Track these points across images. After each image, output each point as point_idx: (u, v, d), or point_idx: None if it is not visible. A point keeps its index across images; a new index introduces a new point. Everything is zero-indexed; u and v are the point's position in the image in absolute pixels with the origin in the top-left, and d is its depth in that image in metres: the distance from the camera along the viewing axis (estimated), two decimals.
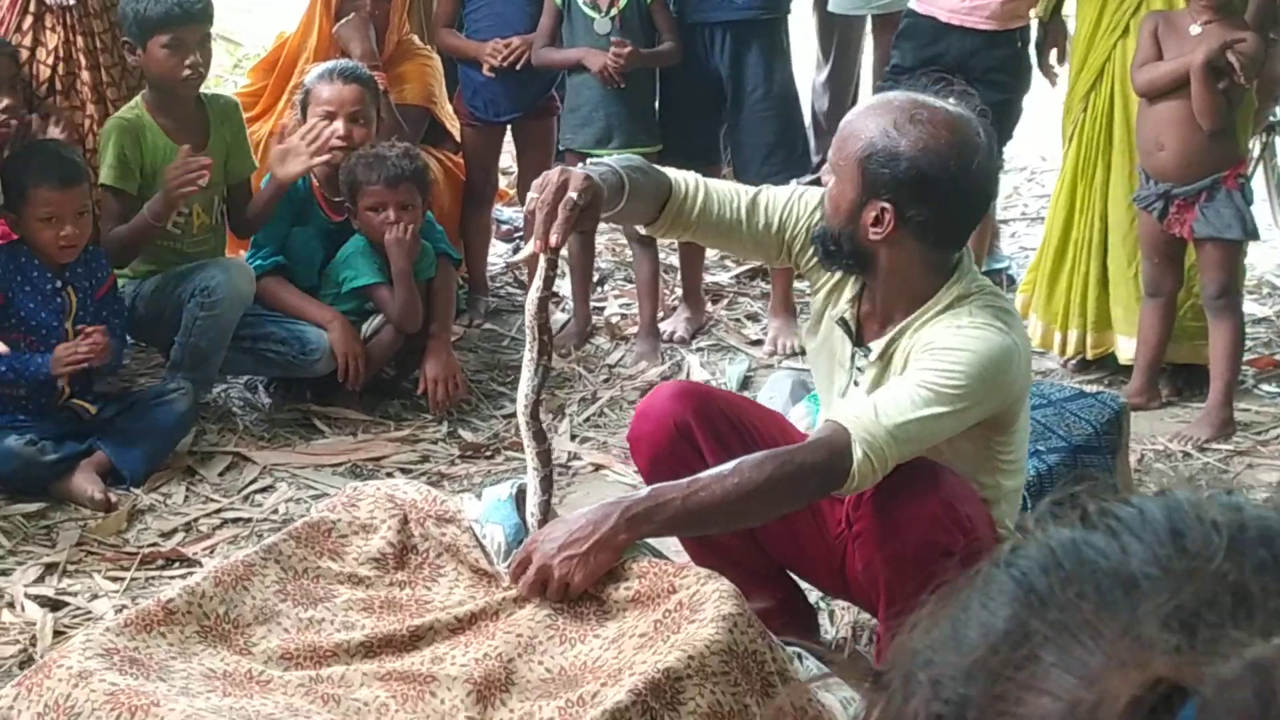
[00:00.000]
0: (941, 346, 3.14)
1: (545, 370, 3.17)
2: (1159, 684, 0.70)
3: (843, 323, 3.40)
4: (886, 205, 3.14)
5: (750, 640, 2.77)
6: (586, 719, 2.58)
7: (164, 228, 5.11)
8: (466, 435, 5.18)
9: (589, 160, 3.26)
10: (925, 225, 3.17)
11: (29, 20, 5.41)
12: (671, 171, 3.48)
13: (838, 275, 3.43)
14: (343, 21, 5.88)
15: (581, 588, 2.93)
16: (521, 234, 6.82)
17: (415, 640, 2.88)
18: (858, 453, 3.01)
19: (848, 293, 3.41)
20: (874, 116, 3.18)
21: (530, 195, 3.12)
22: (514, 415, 5.24)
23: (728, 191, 3.49)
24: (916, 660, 0.81)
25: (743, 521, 3.16)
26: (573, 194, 3.02)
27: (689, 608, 2.82)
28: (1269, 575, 0.76)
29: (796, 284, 6.23)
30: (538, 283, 3.10)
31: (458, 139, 6.26)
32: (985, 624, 0.78)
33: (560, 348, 5.77)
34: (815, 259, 3.41)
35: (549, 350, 3.19)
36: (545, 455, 3.21)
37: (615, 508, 2.99)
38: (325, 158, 5.18)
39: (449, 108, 6.25)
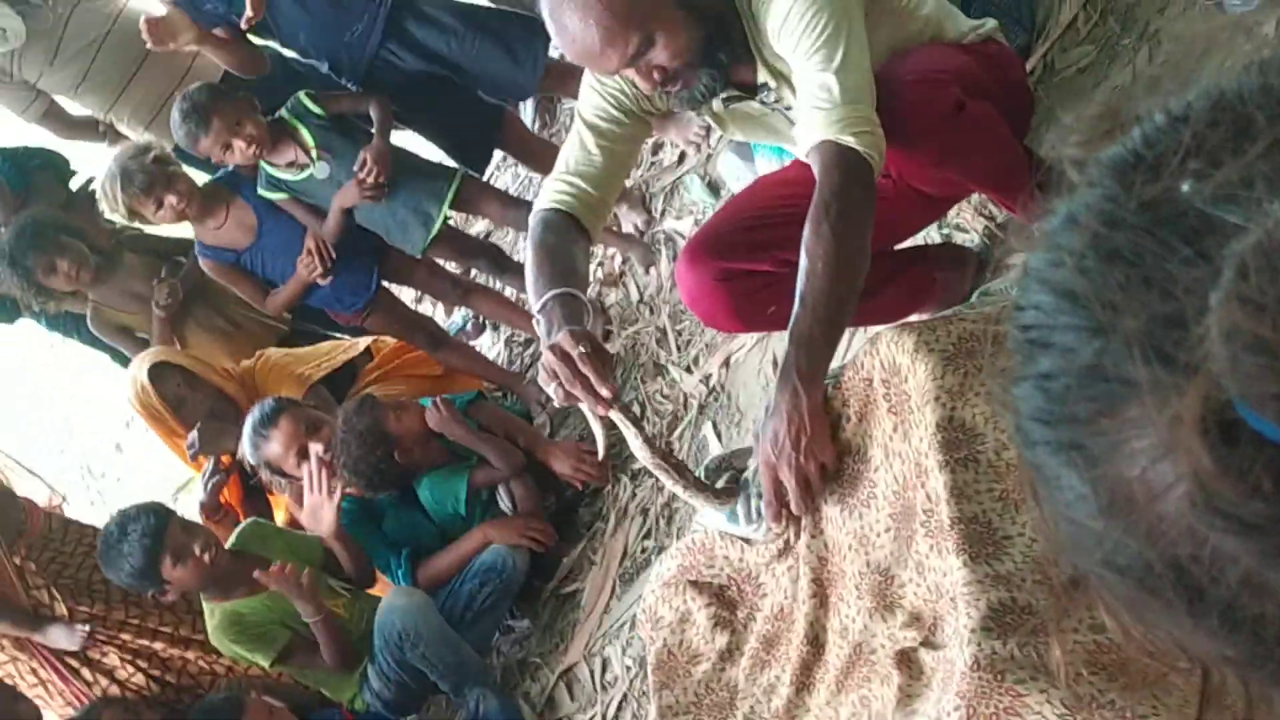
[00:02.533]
0: (784, 15, 3.11)
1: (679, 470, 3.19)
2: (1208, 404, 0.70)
3: (730, 99, 3.39)
4: None
5: (945, 338, 2.77)
6: (944, 516, 2.59)
7: (325, 618, 5.17)
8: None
9: (535, 312, 3.17)
10: None
11: (85, 671, 5.50)
12: (562, 207, 3.37)
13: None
14: (195, 447, 5.91)
15: (833, 457, 2.93)
16: (485, 320, 6.85)
17: (816, 642, 2.89)
18: (850, 141, 3.00)
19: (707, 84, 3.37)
20: None
21: (546, 386, 3.05)
22: (624, 370, 5.33)
23: (580, 160, 3.39)
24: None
25: (860, 279, 3.03)
26: (577, 350, 2.97)
27: (890, 373, 2.82)
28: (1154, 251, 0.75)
29: None
30: (632, 435, 3.08)
31: (354, 354, 6.29)
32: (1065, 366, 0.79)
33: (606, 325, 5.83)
34: (673, 102, 3.35)
35: (680, 467, 3.20)
36: (696, 483, 3.21)
37: (788, 383, 2.93)
38: (337, 497, 5.24)
39: (322, 352, 6.30)
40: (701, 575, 3.20)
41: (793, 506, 2.95)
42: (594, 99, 3.40)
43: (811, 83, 3.07)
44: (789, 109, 3.34)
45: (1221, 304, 0.69)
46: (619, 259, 6.10)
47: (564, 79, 5.67)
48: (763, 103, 3.38)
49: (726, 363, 4.93)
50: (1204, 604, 0.73)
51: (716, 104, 3.39)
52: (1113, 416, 0.74)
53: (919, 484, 2.69)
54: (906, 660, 2.59)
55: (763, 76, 3.30)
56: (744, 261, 3.45)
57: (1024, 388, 0.80)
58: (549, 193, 3.40)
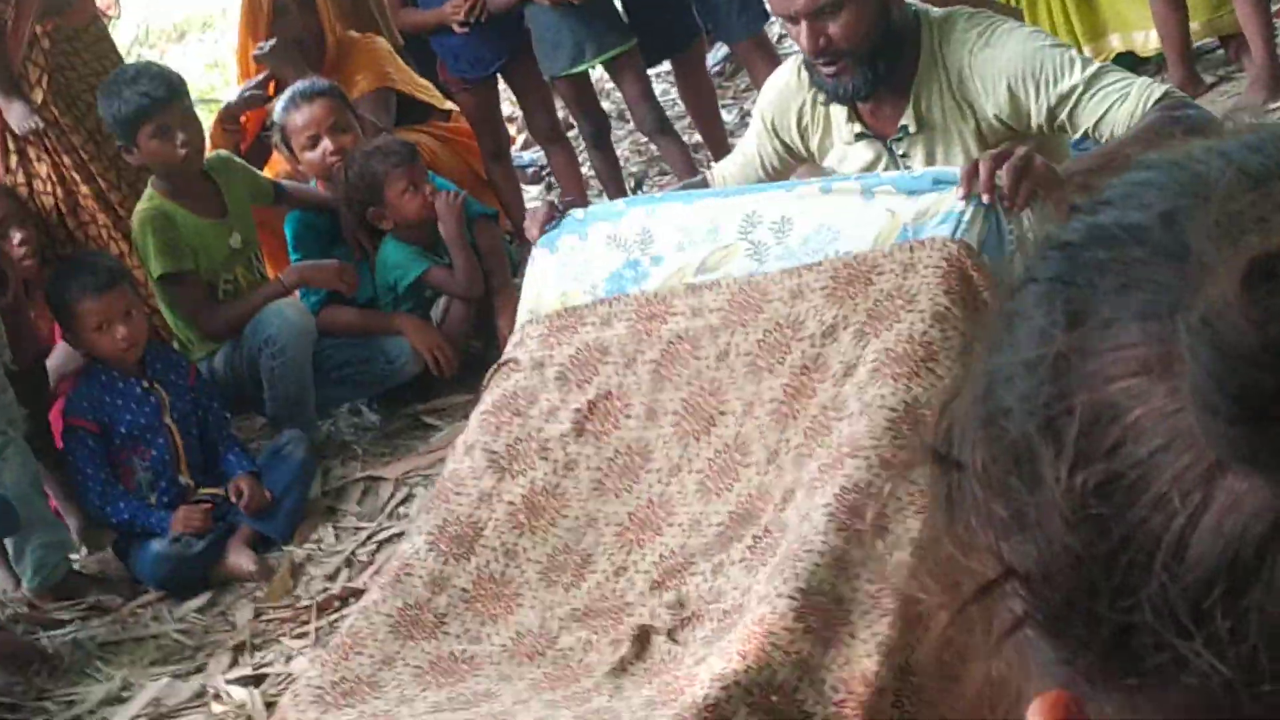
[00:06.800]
0: (1026, 57, 3.31)
1: None
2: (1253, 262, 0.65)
3: (860, 136, 3.53)
4: None
5: None
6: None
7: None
8: None
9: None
10: None
11: (14, 158, 5.46)
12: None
13: (820, 129, 3.59)
14: (264, 50, 5.91)
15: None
16: (549, 172, 6.80)
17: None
18: (1171, 89, 3.27)
19: (838, 119, 3.54)
20: None
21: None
22: None
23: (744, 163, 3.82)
24: (987, 403, 0.78)
25: None
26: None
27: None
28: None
29: None
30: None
31: (440, 107, 6.28)
32: (1035, 329, 0.75)
33: None
34: (810, 135, 3.61)
35: None
36: None
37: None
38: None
39: (418, 81, 6.26)
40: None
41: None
42: (765, 140, 3.72)
43: (1097, 99, 3.25)
44: (908, 168, 3.47)
45: None
46: None
47: (766, 60, 5.64)
48: (889, 149, 3.50)
49: None
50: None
51: (846, 131, 3.53)
52: (1142, 257, 0.72)
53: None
54: None
55: (907, 119, 3.45)
56: None
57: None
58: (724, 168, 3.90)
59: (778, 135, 3.65)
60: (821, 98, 3.49)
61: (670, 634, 2.57)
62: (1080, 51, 5.43)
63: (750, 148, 3.77)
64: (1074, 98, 3.25)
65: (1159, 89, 3.20)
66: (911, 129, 3.46)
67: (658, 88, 7.29)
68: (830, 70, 3.37)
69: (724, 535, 2.73)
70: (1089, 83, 3.23)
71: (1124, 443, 0.68)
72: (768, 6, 3.80)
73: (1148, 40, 5.44)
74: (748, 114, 6.83)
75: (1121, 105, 3.21)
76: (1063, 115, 3.28)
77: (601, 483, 2.96)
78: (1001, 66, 3.31)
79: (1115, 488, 0.69)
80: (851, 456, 2.65)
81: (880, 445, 2.66)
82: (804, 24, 3.29)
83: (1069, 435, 0.70)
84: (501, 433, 3.17)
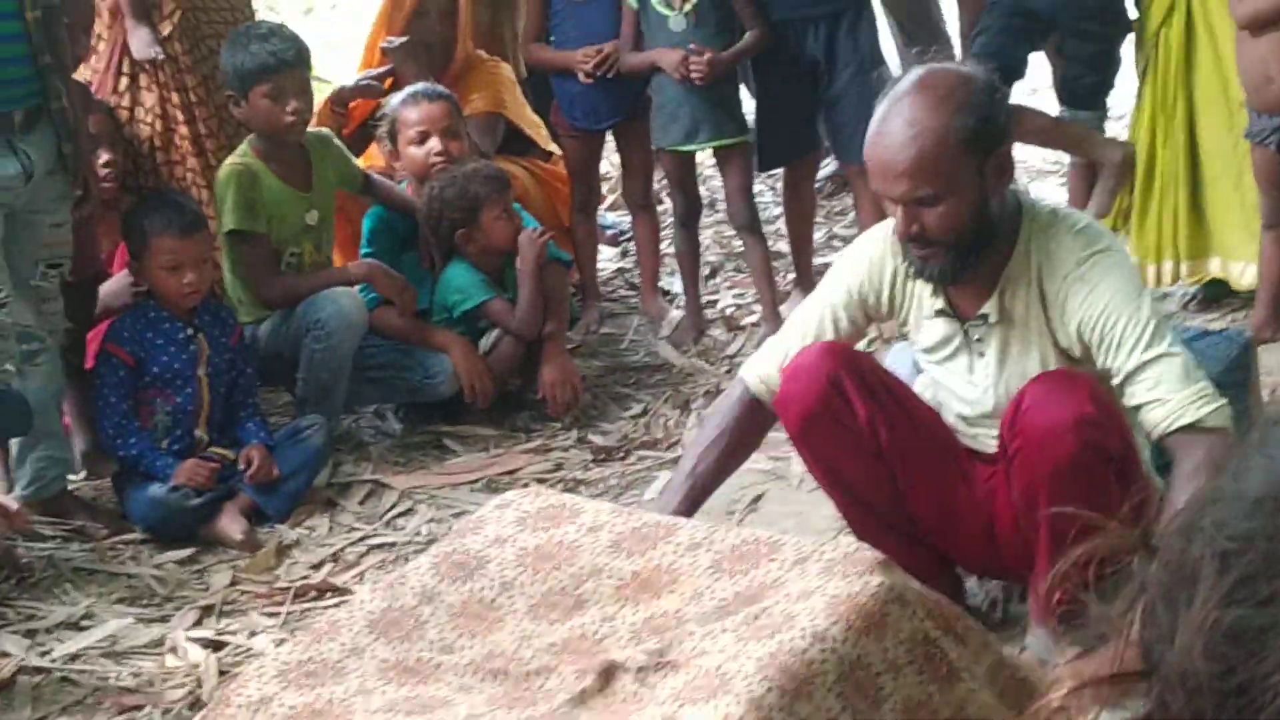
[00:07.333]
0: (1105, 308, 3.26)
1: None
2: None
3: (941, 313, 3.49)
4: (996, 151, 3.28)
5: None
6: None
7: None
8: (596, 439, 5.20)
9: (675, 478, 3.60)
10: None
11: (125, 81, 5.52)
12: (765, 398, 3.62)
13: (909, 299, 3.54)
14: (393, 45, 5.96)
15: None
16: (630, 237, 6.83)
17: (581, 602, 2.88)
18: (1210, 416, 3.14)
19: (924, 290, 3.49)
20: (920, 110, 3.24)
21: None
22: (641, 415, 5.32)
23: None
24: (1197, 511, 0.80)
25: None
26: None
27: None
28: None
29: None
30: None
31: (544, 146, 6.32)
32: (1267, 468, 0.77)
33: (679, 345, 5.84)
34: (899, 303, 3.56)
35: None
36: None
37: None
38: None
39: (529, 115, 6.30)
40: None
41: None
42: (842, 310, 3.58)
43: (1151, 368, 3.21)
44: (975, 349, 3.48)
45: None
46: (750, 320, 6.09)
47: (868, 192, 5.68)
48: (965, 330, 3.48)
49: None
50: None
51: (928, 304, 3.50)
52: None
53: None
54: None
55: (989, 307, 3.42)
56: (858, 393, 3.49)
57: None
58: (768, 366, 3.61)
59: (864, 303, 3.56)
60: (912, 270, 3.47)
61: (639, 674, 2.54)
62: (1179, 265, 5.51)
63: (811, 325, 3.61)
64: (1122, 375, 3.23)
65: (1191, 414, 3.14)
66: (992, 318, 3.42)
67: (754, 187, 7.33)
68: (921, 253, 3.34)
69: (724, 609, 2.71)
70: (1142, 368, 3.20)
71: (1275, 599, 0.70)
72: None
73: (1244, 274, 5.42)
74: (834, 236, 6.88)
75: (1154, 409, 3.19)
76: (1112, 380, 3.26)
77: (619, 543, 2.95)
78: (1083, 307, 3.29)
79: (1251, 636, 0.70)
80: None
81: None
82: (901, 207, 3.27)
83: (1233, 573, 0.72)
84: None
